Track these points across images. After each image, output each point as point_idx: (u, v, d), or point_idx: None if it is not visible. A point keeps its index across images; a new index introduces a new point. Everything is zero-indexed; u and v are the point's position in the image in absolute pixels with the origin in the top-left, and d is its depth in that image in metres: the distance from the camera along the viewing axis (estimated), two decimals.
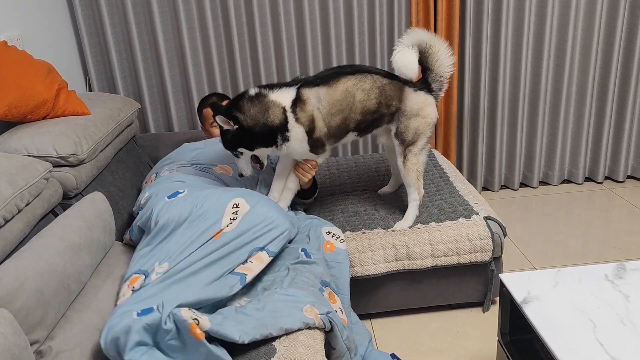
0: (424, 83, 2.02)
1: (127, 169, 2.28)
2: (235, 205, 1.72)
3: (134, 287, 1.54)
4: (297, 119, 1.85)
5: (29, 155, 1.76)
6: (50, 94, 1.95)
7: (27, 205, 1.53)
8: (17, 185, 1.49)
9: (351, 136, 2.02)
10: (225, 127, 1.84)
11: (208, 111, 2.44)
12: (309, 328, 1.51)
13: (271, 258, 1.69)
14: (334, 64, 2.93)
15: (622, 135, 3.21)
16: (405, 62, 1.92)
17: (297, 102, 1.85)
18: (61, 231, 1.48)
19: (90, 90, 2.86)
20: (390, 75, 1.99)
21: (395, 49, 1.95)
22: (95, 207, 1.69)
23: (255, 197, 1.78)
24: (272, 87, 1.88)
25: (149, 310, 1.38)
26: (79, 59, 2.80)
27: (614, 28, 2.96)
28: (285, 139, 1.87)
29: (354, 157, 2.89)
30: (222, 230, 1.66)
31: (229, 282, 1.57)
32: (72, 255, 1.45)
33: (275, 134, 1.86)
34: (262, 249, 1.68)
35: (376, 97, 1.95)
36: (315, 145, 1.91)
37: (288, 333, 1.48)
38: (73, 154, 1.82)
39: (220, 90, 2.94)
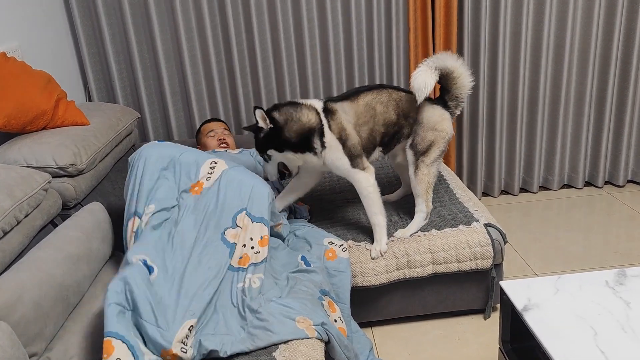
0: (441, 100, 2.08)
1: (125, 178, 2.28)
2: (213, 162, 1.83)
3: (134, 230, 1.68)
4: (329, 126, 1.90)
5: (28, 166, 1.76)
6: (49, 104, 1.95)
7: (26, 216, 1.53)
8: (16, 197, 1.49)
9: (377, 152, 2.06)
10: (261, 123, 1.85)
11: (207, 126, 2.56)
12: (307, 338, 1.51)
13: (255, 224, 1.74)
14: (333, 71, 2.93)
15: (621, 139, 3.21)
16: (421, 84, 1.94)
17: (326, 112, 1.91)
18: (60, 242, 1.48)
19: (89, 100, 2.86)
20: (406, 91, 2.07)
21: (418, 67, 1.98)
22: (93, 218, 1.69)
23: (234, 163, 1.88)
24: (303, 98, 2.01)
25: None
26: (78, 69, 2.81)
27: (612, 33, 2.97)
28: (324, 145, 1.89)
29: None
30: (201, 183, 1.76)
31: (221, 261, 1.64)
32: (71, 266, 1.45)
33: (311, 136, 1.87)
34: (244, 209, 1.75)
35: (394, 108, 2.01)
36: (353, 155, 1.92)
37: (287, 342, 1.48)
38: (72, 165, 1.82)
39: (219, 99, 2.94)
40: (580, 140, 3.20)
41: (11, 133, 1.94)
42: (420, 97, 1.96)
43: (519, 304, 1.46)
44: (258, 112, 1.84)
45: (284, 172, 1.98)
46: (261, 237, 1.73)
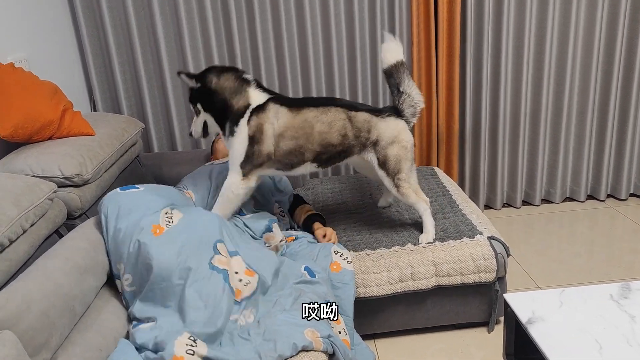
0: (393, 109, 2.04)
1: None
2: (167, 213, 1.71)
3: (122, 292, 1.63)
4: (249, 120, 1.89)
5: (34, 176, 1.77)
6: (55, 114, 1.96)
7: (31, 225, 1.54)
8: (22, 206, 1.49)
9: (309, 167, 2.01)
10: (189, 84, 1.93)
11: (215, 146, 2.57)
12: (312, 350, 1.51)
13: (233, 259, 1.68)
14: (336, 85, 2.96)
15: (624, 152, 3.22)
16: (397, 49, 2.01)
17: (259, 109, 1.90)
18: (67, 252, 1.49)
19: (95, 110, 2.88)
20: (365, 108, 2.02)
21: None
22: (99, 229, 1.69)
23: (187, 209, 1.80)
24: (260, 86, 1.96)
25: None
26: (84, 79, 2.83)
27: (614, 46, 2.99)
28: (232, 132, 1.91)
29: (356, 174, 2.91)
30: (161, 227, 1.65)
31: (217, 288, 1.58)
32: (78, 276, 1.46)
33: (226, 116, 1.91)
34: (221, 241, 1.69)
35: (339, 129, 1.95)
36: (250, 159, 1.90)
37: (295, 354, 1.48)
38: (78, 174, 1.83)
39: None
40: (583, 153, 3.21)
41: (18, 143, 1.95)
42: (388, 56, 2.01)
43: (523, 317, 1.46)
44: (183, 76, 1.91)
45: (205, 131, 2.03)
46: (246, 267, 1.70)
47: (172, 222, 1.68)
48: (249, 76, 1.95)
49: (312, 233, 2.13)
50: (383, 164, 2.01)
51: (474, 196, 3.27)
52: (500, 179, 3.22)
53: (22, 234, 1.49)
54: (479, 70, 3.00)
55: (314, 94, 2.96)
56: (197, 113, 1.99)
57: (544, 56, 2.98)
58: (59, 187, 1.80)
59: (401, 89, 2.04)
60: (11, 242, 1.43)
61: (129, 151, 2.34)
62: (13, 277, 1.42)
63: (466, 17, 2.89)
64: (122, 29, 2.79)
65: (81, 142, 1.98)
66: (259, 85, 1.96)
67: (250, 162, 1.92)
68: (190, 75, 1.93)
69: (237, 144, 1.91)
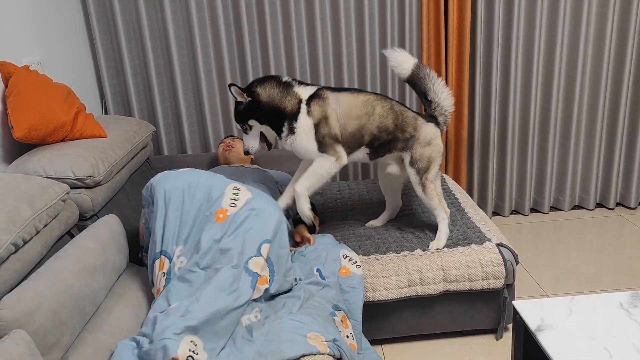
0: (432, 117, 2.13)
1: (140, 190, 2.30)
2: (235, 188, 1.76)
3: (164, 272, 1.65)
4: (308, 112, 1.93)
5: (47, 177, 1.79)
6: (68, 117, 1.99)
7: (45, 226, 1.56)
8: (36, 207, 1.51)
9: (362, 152, 2.06)
10: (239, 98, 1.95)
11: (223, 140, 2.63)
12: (318, 354, 1.50)
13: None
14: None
15: (633, 161, 3.20)
16: (398, 59, 2.09)
17: (314, 97, 1.95)
18: (77, 253, 1.50)
19: (106, 112, 2.91)
20: (407, 107, 2.11)
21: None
22: (110, 229, 1.71)
23: (252, 189, 1.82)
24: (300, 82, 2.01)
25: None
26: (96, 82, 2.86)
27: (624, 55, 2.99)
28: (292, 130, 1.94)
29: (365, 181, 2.91)
30: (225, 210, 1.69)
31: (244, 285, 1.59)
32: (88, 276, 1.47)
33: (282, 120, 1.94)
34: (269, 241, 1.69)
35: (393, 118, 2.03)
36: (324, 142, 1.95)
37: (299, 358, 1.47)
38: (90, 176, 1.85)
39: (232, 115, 2.97)
40: (592, 161, 3.20)
41: (31, 144, 1.97)
42: (400, 71, 2.10)
43: (532, 325, 1.46)
44: (233, 89, 1.93)
45: (268, 143, 2.06)
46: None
47: (237, 202, 1.71)
48: (287, 78, 2.00)
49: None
50: (415, 162, 2.07)
51: (482, 203, 3.26)
52: (509, 186, 3.22)
53: (35, 235, 1.50)
54: (489, 76, 3.00)
55: None
56: (248, 129, 2.00)
57: (554, 63, 2.98)
58: (71, 188, 1.82)
59: (429, 98, 2.13)
60: (25, 243, 1.44)
61: (139, 153, 2.36)
62: (26, 277, 1.44)
63: (476, 23, 2.89)
64: (134, 33, 2.81)
65: (93, 144, 2.00)
66: (300, 82, 2.01)
67: (325, 145, 1.95)
68: (241, 90, 1.94)
69: (303, 138, 1.94)
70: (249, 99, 1.93)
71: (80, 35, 2.72)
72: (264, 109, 1.94)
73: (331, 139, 1.96)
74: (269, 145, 2.08)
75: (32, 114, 1.86)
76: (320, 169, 1.97)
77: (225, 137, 2.75)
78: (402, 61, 2.11)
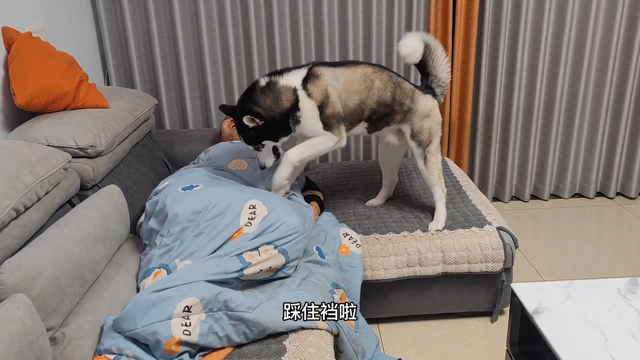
0: (428, 89, 2.10)
1: (142, 163, 2.29)
2: (252, 207, 1.72)
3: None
4: (308, 94, 1.86)
5: (48, 145, 1.78)
6: (71, 85, 1.97)
7: (46, 194, 1.55)
8: (38, 174, 1.51)
9: (362, 127, 2.03)
10: (251, 125, 1.82)
11: (223, 127, 2.56)
12: (317, 329, 1.52)
13: (281, 255, 1.67)
14: None
15: (636, 151, 3.20)
16: (409, 49, 2.02)
17: (309, 78, 1.88)
18: (78, 221, 1.50)
19: (108, 84, 2.89)
20: (404, 78, 2.08)
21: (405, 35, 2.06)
22: (111, 199, 1.71)
23: (272, 200, 1.77)
24: (282, 71, 1.89)
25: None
26: (98, 52, 2.83)
27: (632, 44, 2.96)
28: (297, 121, 1.87)
29: (367, 161, 2.90)
30: (241, 229, 1.66)
31: (229, 262, 1.59)
32: (88, 245, 1.47)
33: (287, 119, 1.86)
34: (275, 246, 1.67)
35: (392, 90, 2.00)
36: (329, 122, 1.90)
37: (297, 331, 1.49)
38: (92, 146, 1.84)
39: (236, 89, 2.96)
40: (595, 150, 3.19)
41: (32, 112, 1.96)
42: (411, 60, 2.04)
43: (529, 307, 1.47)
44: (246, 119, 1.80)
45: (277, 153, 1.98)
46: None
47: (253, 221, 1.68)
48: (264, 79, 1.87)
49: None
50: (416, 134, 2.05)
51: (482, 188, 3.26)
52: (510, 171, 3.22)
53: (36, 202, 1.50)
54: (495, 61, 2.98)
55: None
56: (261, 147, 1.90)
57: (561, 50, 2.96)
58: (73, 157, 1.81)
59: (427, 71, 2.10)
60: (26, 209, 1.44)
61: (141, 126, 2.34)
62: (27, 243, 1.44)
63: (484, 7, 2.86)
64: (138, 4, 2.78)
65: (95, 114, 1.99)
66: (280, 72, 1.89)
67: (329, 126, 1.90)
68: (253, 115, 1.81)
69: (309, 121, 1.87)
70: (262, 122, 1.81)
71: (83, 4, 2.68)
72: (272, 124, 1.83)
73: (335, 118, 1.92)
74: (278, 156, 1.99)
75: (35, 82, 1.85)
76: (321, 145, 1.92)
77: None
78: (415, 50, 2.03)
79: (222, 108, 1.95)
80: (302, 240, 1.72)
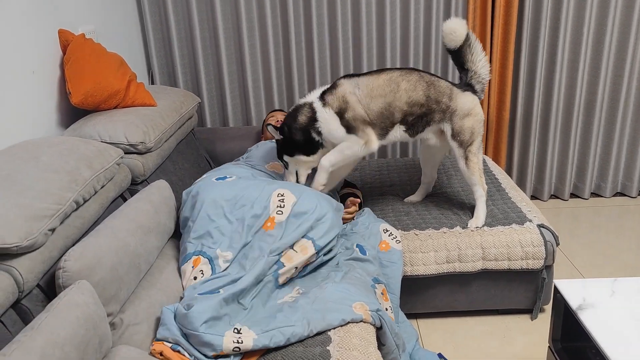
0: (468, 86, 2.08)
1: (186, 160, 2.37)
2: (280, 194, 1.79)
3: (201, 270, 1.63)
4: (324, 104, 1.93)
5: (102, 142, 1.86)
6: (122, 85, 2.05)
7: (102, 187, 1.63)
8: (95, 169, 1.58)
9: (399, 131, 2.03)
10: (275, 136, 1.98)
11: (271, 114, 2.60)
12: (361, 322, 1.55)
13: (316, 251, 1.72)
14: (388, 65, 2.96)
15: None
16: (450, 27, 2.01)
17: (327, 91, 1.96)
18: (133, 214, 1.57)
19: (152, 83, 2.98)
20: (440, 77, 2.07)
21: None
22: (161, 194, 1.78)
23: (299, 188, 1.85)
24: (310, 92, 2.03)
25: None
26: (144, 53, 2.93)
27: None
28: (319, 132, 1.94)
29: (404, 159, 2.92)
30: (272, 217, 1.72)
31: (267, 266, 1.65)
32: (142, 236, 1.54)
33: (309, 134, 1.94)
34: (309, 238, 1.72)
35: (423, 89, 1.99)
36: (351, 125, 1.93)
37: (342, 325, 1.52)
38: (142, 142, 1.92)
39: (275, 88, 3.01)
40: (637, 148, 3.13)
41: (86, 110, 2.05)
42: (456, 40, 2.02)
43: (573, 303, 1.47)
44: (270, 129, 1.96)
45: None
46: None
47: (283, 209, 1.74)
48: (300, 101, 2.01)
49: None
50: (457, 134, 2.04)
51: (520, 186, 3.24)
52: (549, 169, 3.18)
53: (93, 195, 1.58)
54: (534, 57, 2.95)
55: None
56: (286, 165, 2.02)
57: (604, 45, 2.91)
58: (124, 153, 1.89)
59: (466, 67, 2.08)
60: (85, 201, 1.52)
61: (186, 124, 2.42)
62: (85, 234, 1.52)
63: (524, 1, 2.83)
64: (181, 5, 2.86)
65: (144, 112, 2.07)
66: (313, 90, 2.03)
67: (352, 128, 1.94)
68: (276, 129, 1.97)
69: (331, 127, 1.93)
70: (281, 136, 1.96)
71: (130, 7, 2.78)
72: (291, 140, 1.95)
73: (357, 121, 1.93)
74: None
75: (89, 81, 1.93)
76: (347, 149, 1.95)
77: (274, 110, 2.72)
78: (455, 29, 2.02)
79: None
80: (334, 226, 1.78)
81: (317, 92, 1.99)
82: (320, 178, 1.98)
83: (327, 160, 1.97)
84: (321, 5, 2.85)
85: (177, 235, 1.88)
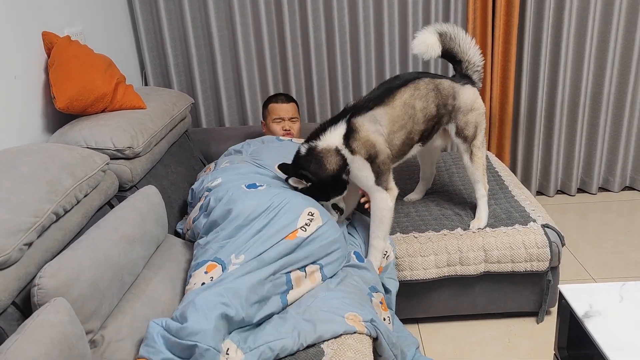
0: (465, 77, 2.01)
1: (179, 163, 2.31)
2: (310, 214, 1.73)
3: (212, 276, 1.57)
4: (352, 151, 1.80)
5: (87, 147, 1.81)
6: (109, 88, 1.99)
7: (85, 196, 1.57)
8: (77, 177, 1.52)
9: (416, 148, 1.98)
10: (300, 186, 1.84)
11: (276, 108, 2.43)
12: (356, 333, 1.48)
13: (322, 282, 1.69)
14: (387, 68, 2.89)
15: None
16: (421, 45, 1.95)
17: (349, 134, 1.81)
18: (116, 223, 1.51)
19: (145, 84, 2.92)
20: (439, 76, 1.99)
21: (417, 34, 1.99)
22: (148, 200, 1.72)
23: (327, 214, 1.80)
24: (319, 132, 1.84)
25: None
26: (136, 53, 2.87)
27: None
28: (348, 172, 1.84)
29: None
30: (296, 230, 1.67)
31: (277, 285, 1.59)
32: (126, 246, 1.48)
33: (340, 178, 1.83)
34: (320, 266, 1.68)
35: (434, 100, 1.92)
36: (380, 171, 1.83)
37: (335, 337, 1.46)
38: (129, 147, 1.86)
39: (271, 87, 2.94)
40: None
41: (72, 115, 1.99)
42: (431, 55, 1.95)
43: (579, 310, 1.39)
44: (292, 181, 1.84)
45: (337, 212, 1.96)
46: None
47: (308, 227, 1.70)
48: (306, 145, 1.84)
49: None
50: (462, 130, 1.99)
51: (525, 182, 3.15)
52: (555, 165, 3.09)
53: (75, 204, 1.52)
54: (538, 51, 2.86)
55: (364, 78, 2.90)
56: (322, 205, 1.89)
57: (609, 37, 2.81)
58: (111, 159, 1.83)
59: (458, 58, 2.01)
60: (66, 212, 1.46)
61: (178, 125, 2.36)
62: (66, 246, 1.46)
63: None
64: (173, 4, 2.80)
65: (133, 115, 2.01)
66: (320, 132, 1.84)
67: (381, 174, 1.84)
68: (300, 177, 1.84)
69: (360, 173, 1.83)
70: (308, 183, 1.83)
71: (121, 6, 2.72)
72: (321, 185, 1.83)
73: (385, 165, 1.84)
74: (340, 212, 1.97)
75: (74, 85, 1.87)
76: (380, 212, 1.85)
77: (277, 97, 2.50)
78: (427, 44, 1.95)
79: (281, 167, 1.93)
80: (341, 261, 1.76)
81: (334, 134, 1.81)
82: (376, 260, 1.88)
83: (379, 239, 1.86)
84: (317, 2, 2.78)
85: (167, 242, 1.82)
